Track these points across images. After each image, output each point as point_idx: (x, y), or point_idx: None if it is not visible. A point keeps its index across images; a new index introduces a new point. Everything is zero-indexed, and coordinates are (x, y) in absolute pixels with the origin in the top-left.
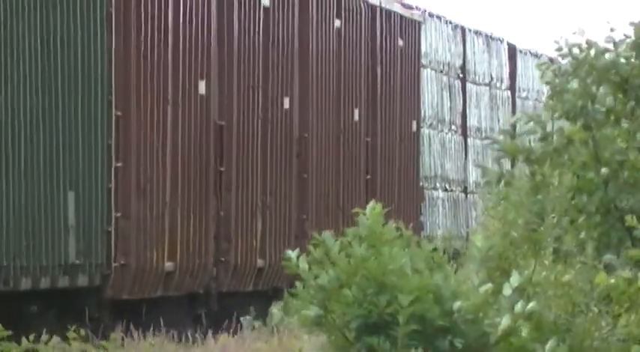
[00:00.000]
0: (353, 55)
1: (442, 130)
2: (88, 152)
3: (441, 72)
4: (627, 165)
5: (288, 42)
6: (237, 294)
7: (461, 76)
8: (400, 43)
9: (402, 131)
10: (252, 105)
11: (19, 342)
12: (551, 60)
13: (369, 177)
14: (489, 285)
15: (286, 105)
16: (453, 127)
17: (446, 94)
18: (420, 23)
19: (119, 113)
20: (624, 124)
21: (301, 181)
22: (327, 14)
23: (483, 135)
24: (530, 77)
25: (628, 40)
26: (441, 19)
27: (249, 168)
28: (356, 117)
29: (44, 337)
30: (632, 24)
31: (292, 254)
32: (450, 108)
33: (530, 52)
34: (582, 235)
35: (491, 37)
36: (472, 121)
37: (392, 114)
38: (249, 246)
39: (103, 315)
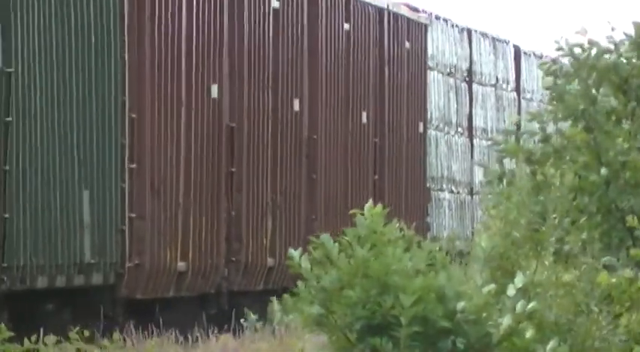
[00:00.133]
0: (361, 57)
1: (448, 132)
2: (102, 152)
3: (448, 74)
4: (629, 166)
5: (297, 45)
6: (247, 293)
7: (467, 78)
8: (407, 45)
9: (408, 132)
10: (262, 107)
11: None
12: (555, 61)
13: (376, 177)
14: (492, 286)
15: (296, 107)
16: (460, 129)
17: (452, 96)
18: (426, 26)
19: (134, 115)
20: (625, 125)
21: (310, 182)
22: (337, 17)
23: (489, 136)
24: (534, 78)
25: (627, 40)
26: (447, 22)
27: (259, 169)
28: (364, 118)
29: (49, 337)
30: (634, 23)
31: (295, 253)
32: (457, 109)
33: (534, 54)
34: (584, 235)
35: (497, 39)
36: (478, 123)
37: (399, 116)
38: (260, 245)
39: (117, 314)
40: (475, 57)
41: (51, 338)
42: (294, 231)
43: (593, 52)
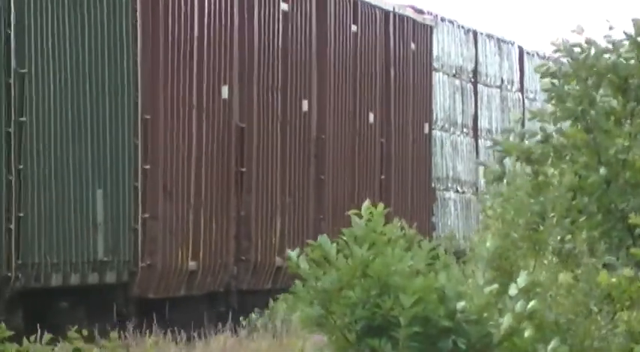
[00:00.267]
0: (368, 59)
1: (454, 132)
2: (115, 152)
3: (454, 75)
4: (628, 165)
5: (306, 46)
6: (256, 292)
7: (472, 79)
8: (413, 47)
9: (414, 133)
10: (271, 108)
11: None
12: (553, 61)
13: (383, 177)
14: (495, 286)
15: (305, 107)
16: (465, 129)
17: (458, 97)
18: (431, 27)
19: (147, 116)
20: (625, 126)
21: (319, 182)
22: (344, 19)
23: (494, 137)
24: (537, 79)
25: (627, 40)
26: (453, 24)
27: (268, 169)
28: (371, 119)
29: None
30: (634, 20)
31: (292, 254)
32: (462, 110)
33: (537, 54)
34: (583, 235)
35: (502, 40)
36: (483, 123)
37: (405, 117)
38: (269, 245)
39: (130, 311)
40: (480, 58)
41: (46, 337)
42: (303, 230)
43: (592, 51)
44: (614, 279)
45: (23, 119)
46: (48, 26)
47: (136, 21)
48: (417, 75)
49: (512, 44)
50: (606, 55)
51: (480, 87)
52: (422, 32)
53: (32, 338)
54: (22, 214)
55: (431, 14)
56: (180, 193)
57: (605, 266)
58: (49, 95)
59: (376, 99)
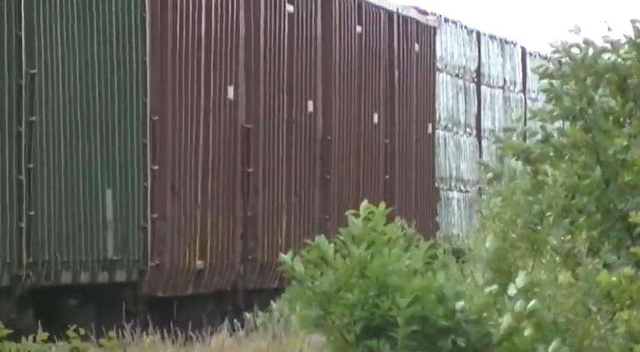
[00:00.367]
0: (372, 59)
1: (457, 132)
2: (124, 152)
3: (457, 75)
4: (627, 165)
5: (311, 47)
6: (262, 291)
7: (475, 79)
8: (416, 47)
9: (418, 133)
10: (277, 108)
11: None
12: (551, 61)
13: (387, 177)
14: (495, 286)
15: (310, 108)
16: (468, 129)
17: (461, 97)
18: (434, 28)
19: (156, 117)
20: (625, 127)
21: (324, 182)
22: (349, 20)
23: (497, 133)
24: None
25: (625, 40)
26: (456, 24)
27: (274, 170)
28: (375, 119)
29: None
30: (633, 21)
31: (286, 256)
32: (465, 110)
33: (539, 55)
34: (583, 235)
35: (505, 41)
36: (486, 123)
37: (409, 117)
38: (275, 244)
39: (139, 310)
40: (483, 59)
41: (40, 335)
42: (309, 230)
43: (590, 51)
44: (614, 278)
45: (33, 119)
46: (57, 27)
47: (145, 22)
48: (421, 75)
49: (515, 45)
50: (605, 56)
51: (482, 87)
52: (425, 33)
53: (30, 338)
54: (32, 213)
55: (434, 15)
56: (188, 193)
57: (604, 266)
58: (58, 95)
59: (380, 100)
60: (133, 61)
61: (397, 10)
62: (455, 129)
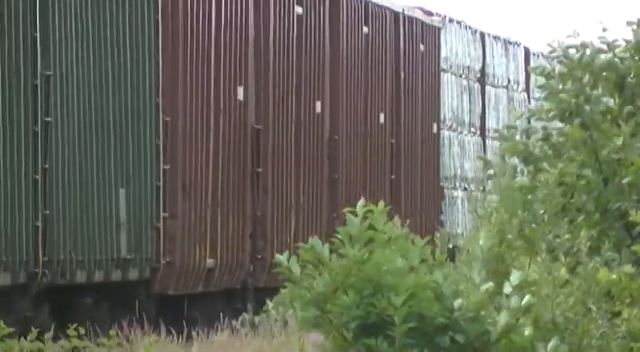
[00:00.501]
0: (379, 60)
1: (462, 132)
2: (137, 152)
3: (461, 75)
4: (625, 164)
5: (319, 49)
6: (272, 290)
7: (480, 79)
8: (421, 48)
9: (423, 133)
10: (286, 109)
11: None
12: (548, 59)
13: (393, 177)
14: (490, 284)
15: (318, 109)
16: (472, 129)
17: (465, 97)
18: (439, 29)
19: (167, 118)
20: (622, 125)
21: (332, 181)
22: (356, 21)
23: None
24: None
25: (623, 41)
26: (461, 25)
27: (283, 170)
28: (382, 119)
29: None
30: (629, 24)
31: (282, 257)
32: (470, 110)
33: (542, 55)
34: (582, 234)
35: (508, 41)
36: (491, 123)
37: (414, 117)
38: (284, 243)
39: (151, 308)
40: (488, 59)
41: (33, 334)
42: (317, 229)
43: (587, 52)
44: (614, 276)
45: (49, 119)
46: (72, 29)
47: (158, 25)
48: (426, 75)
49: (519, 45)
50: (602, 55)
51: (487, 87)
52: (430, 33)
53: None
54: (48, 212)
55: (439, 15)
56: (199, 193)
57: (605, 264)
58: (73, 97)
59: (386, 100)
60: (146, 63)
61: (403, 10)
62: (459, 128)
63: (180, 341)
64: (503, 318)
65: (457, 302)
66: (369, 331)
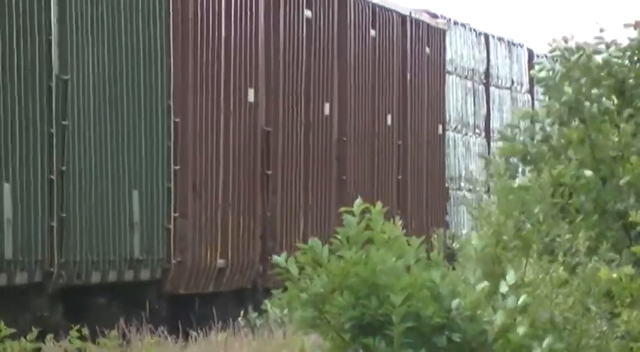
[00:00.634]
0: (386, 62)
1: (466, 133)
2: (149, 154)
3: (466, 77)
4: (623, 164)
5: (328, 51)
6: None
7: (484, 81)
8: (427, 50)
9: (429, 134)
10: (295, 111)
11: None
12: (549, 59)
13: (399, 177)
14: (486, 283)
15: (327, 111)
16: (477, 130)
17: (470, 99)
18: (444, 31)
19: (177, 119)
20: (623, 125)
21: (340, 182)
22: (364, 24)
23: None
24: None
25: (621, 42)
26: (465, 27)
27: (292, 171)
28: (389, 121)
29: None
30: (627, 26)
31: (280, 258)
32: (474, 111)
33: (546, 56)
34: (581, 235)
35: (512, 42)
36: (495, 124)
37: (420, 119)
38: (293, 244)
39: (162, 307)
40: (492, 60)
41: (33, 334)
42: (325, 229)
43: (585, 53)
44: (614, 275)
45: (65, 122)
46: (87, 34)
47: (170, 29)
48: (432, 77)
49: (522, 46)
50: (598, 57)
51: (491, 88)
52: (436, 36)
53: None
54: (64, 214)
55: (444, 18)
56: (209, 194)
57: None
58: (89, 100)
59: (393, 102)
60: (158, 66)
61: (410, 13)
62: (464, 130)
63: (181, 341)
64: (499, 318)
65: (454, 302)
66: (367, 331)
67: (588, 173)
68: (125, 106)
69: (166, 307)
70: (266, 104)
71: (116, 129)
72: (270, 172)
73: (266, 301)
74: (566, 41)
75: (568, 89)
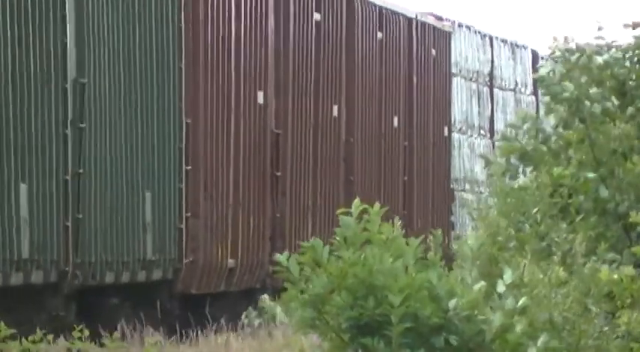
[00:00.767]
0: (393, 64)
1: (471, 135)
2: (162, 155)
3: (470, 79)
4: (621, 163)
5: (336, 54)
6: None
7: (489, 82)
8: (433, 52)
9: (434, 136)
10: (304, 113)
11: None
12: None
13: (406, 178)
14: (482, 283)
15: (335, 112)
16: (482, 131)
17: (475, 100)
18: (450, 34)
19: (189, 120)
20: (622, 125)
21: (348, 183)
22: (371, 27)
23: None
24: None
25: (622, 42)
26: (470, 29)
27: (301, 173)
28: (395, 123)
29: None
30: (626, 26)
31: (282, 257)
32: (479, 113)
33: (550, 58)
34: (579, 236)
35: (516, 44)
36: (499, 126)
37: (426, 120)
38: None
39: (173, 307)
40: (496, 62)
41: (38, 334)
42: (333, 230)
43: (585, 54)
44: (615, 276)
45: (83, 125)
46: (103, 37)
47: (181, 32)
48: (437, 79)
49: (526, 48)
50: (598, 57)
51: (495, 90)
52: (441, 38)
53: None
54: (80, 216)
55: (449, 21)
56: (220, 194)
57: (602, 264)
58: (104, 103)
59: (400, 104)
60: (170, 68)
61: (416, 16)
62: (469, 131)
63: (181, 341)
64: (497, 319)
65: (451, 303)
66: (365, 331)
67: (591, 175)
68: (138, 108)
69: (178, 306)
70: (275, 106)
71: (130, 131)
72: (279, 173)
73: (263, 297)
74: (566, 41)
75: (570, 86)
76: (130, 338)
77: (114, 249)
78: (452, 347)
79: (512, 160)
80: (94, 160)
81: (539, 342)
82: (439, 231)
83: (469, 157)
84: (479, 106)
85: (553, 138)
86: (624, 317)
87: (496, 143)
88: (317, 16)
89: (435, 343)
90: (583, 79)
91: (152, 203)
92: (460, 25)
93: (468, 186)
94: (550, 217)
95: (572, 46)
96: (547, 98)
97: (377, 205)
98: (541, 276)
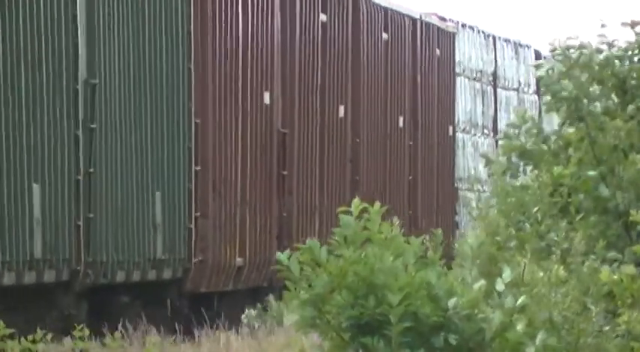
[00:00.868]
0: (398, 65)
1: (475, 134)
2: (171, 155)
3: (474, 79)
4: (622, 161)
5: (342, 54)
6: None
7: (492, 82)
8: (437, 53)
9: (439, 136)
10: (310, 114)
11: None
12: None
13: (411, 178)
14: (482, 282)
15: (341, 113)
16: (485, 131)
17: (478, 100)
18: (454, 34)
19: (198, 121)
20: (622, 124)
21: (354, 183)
22: (377, 28)
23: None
24: None
25: (624, 41)
26: (473, 29)
27: (308, 173)
28: (400, 123)
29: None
30: (624, 24)
31: (283, 256)
32: (482, 112)
33: (551, 56)
34: (579, 235)
35: (519, 44)
36: (503, 125)
37: (430, 120)
38: None
39: (182, 305)
40: (499, 62)
41: (38, 334)
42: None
43: (586, 52)
44: (615, 276)
45: (93, 126)
46: (114, 38)
47: (190, 34)
48: (442, 79)
49: (529, 48)
50: (600, 55)
51: (498, 90)
52: (446, 39)
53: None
54: (91, 215)
55: (452, 21)
56: (228, 194)
57: (601, 263)
58: (115, 104)
59: (405, 104)
60: (180, 69)
61: (420, 17)
62: (473, 131)
63: (181, 341)
64: (497, 318)
65: (451, 302)
66: (365, 331)
67: (591, 173)
68: (148, 109)
69: (187, 305)
70: (282, 106)
71: (140, 131)
72: (286, 173)
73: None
74: (567, 39)
75: (569, 84)
76: (132, 338)
77: (125, 248)
78: (451, 346)
79: (513, 159)
80: (104, 160)
81: (538, 340)
82: (439, 231)
83: (473, 157)
84: (483, 106)
85: (553, 138)
86: (624, 317)
87: (498, 142)
88: (323, 17)
89: (434, 342)
90: (583, 77)
91: (162, 203)
92: (464, 26)
93: (471, 186)
94: (550, 216)
95: (573, 43)
96: (547, 97)
97: (377, 204)
98: (541, 275)
